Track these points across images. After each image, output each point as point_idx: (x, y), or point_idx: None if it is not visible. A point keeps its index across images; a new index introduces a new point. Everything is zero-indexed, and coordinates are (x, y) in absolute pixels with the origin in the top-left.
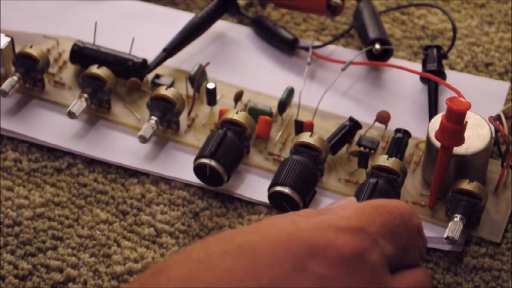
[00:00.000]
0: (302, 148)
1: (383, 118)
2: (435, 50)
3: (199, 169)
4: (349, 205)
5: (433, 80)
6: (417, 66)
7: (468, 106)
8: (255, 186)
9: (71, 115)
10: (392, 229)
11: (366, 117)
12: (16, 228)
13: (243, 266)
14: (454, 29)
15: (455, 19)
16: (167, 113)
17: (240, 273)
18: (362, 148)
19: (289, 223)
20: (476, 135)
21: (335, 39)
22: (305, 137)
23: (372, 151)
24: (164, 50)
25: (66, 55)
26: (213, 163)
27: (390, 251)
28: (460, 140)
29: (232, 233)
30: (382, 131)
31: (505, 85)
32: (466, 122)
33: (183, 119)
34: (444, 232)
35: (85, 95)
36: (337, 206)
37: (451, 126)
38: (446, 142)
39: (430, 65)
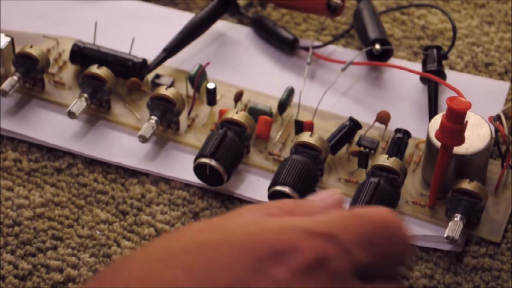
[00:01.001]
0: (302, 148)
1: (383, 118)
2: (435, 51)
3: (199, 169)
4: (330, 207)
5: (433, 80)
6: (417, 66)
7: (468, 106)
8: (255, 186)
9: (71, 115)
10: (370, 238)
11: (366, 117)
12: (16, 228)
13: (201, 266)
14: (454, 29)
15: (455, 19)
16: (167, 113)
17: (197, 273)
18: (362, 148)
19: (256, 220)
20: (476, 135)
21: (335, 39)
22: (305, 137)
23: (372, 151)
24: (164, 50)
25: (66, 55)
26: (213, 162)
27: (364, 260)
28: (460, 140)
29: (195, 229)
30: (382, 131)
31: (505, 85)
32: (466, 121)
33: (183, 119)
34: (444, 232)
35: (85, 95)
36: (319, 200)
37: (451, 126)
38: (446, 142)
39: (430, 65)
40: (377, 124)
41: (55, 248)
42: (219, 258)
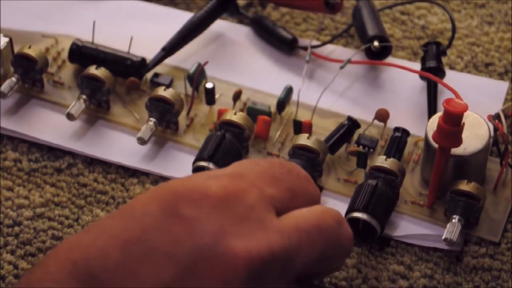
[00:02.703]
0: (300, 151)
1: (382, 116)
2: (434, 47)
3: (197, 172)
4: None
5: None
6: (417, 66)
7: (465, 108)
8: None
9: (70, 117)
10: (272, 174)
11: (365, 116)
12: (16, 228)
13: (117, 223)
14: (453, 25)
15: (455, 19)
16: (165, 113)
17: (114, 229)
18: (360, 148)
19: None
20: (475, 135)
21: (334, 38)
22: (303, 139)
23: (371, 150)
24: (163, 49)
25: (65, 54)
26: (211, 165)
27: (272, 193)
28: (458, 142)
29: None
30: (381, 129)
31: (504, 85)
32: (464, 123)
33: (182, 118)
34: (443, 231)
35: (84, 96)
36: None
37: (448, 128)
38: (444, 144)
39: (429, 62)
40: (376, 122)
41: None
42: (132, 213)
